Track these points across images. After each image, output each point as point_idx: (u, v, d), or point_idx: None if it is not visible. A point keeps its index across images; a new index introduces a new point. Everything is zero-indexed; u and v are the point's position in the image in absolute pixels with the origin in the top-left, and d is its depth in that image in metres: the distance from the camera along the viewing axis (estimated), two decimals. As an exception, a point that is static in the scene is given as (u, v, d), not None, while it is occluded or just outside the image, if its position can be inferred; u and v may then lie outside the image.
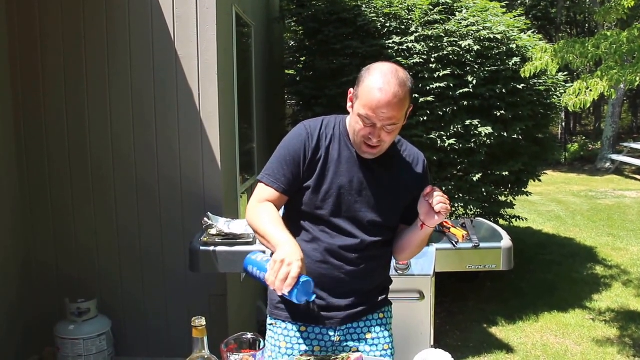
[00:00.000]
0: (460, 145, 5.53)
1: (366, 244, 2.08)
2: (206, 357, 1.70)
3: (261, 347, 1.90)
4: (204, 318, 1.70)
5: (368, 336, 2.17)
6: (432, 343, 3.73)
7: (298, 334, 2.13)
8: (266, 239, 1.91)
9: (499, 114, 5.66)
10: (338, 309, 2.11)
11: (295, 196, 2.07)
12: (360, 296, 2.13)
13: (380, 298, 2.21)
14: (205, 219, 3.71)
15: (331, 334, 2.13)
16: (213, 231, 3.63)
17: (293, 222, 2.07)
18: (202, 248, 3.56)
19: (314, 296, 1.81)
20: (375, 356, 2.14)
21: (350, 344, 2.14)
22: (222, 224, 3.68)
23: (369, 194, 2.06)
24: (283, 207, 2.13)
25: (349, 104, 2.04)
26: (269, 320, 2.20)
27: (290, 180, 2.04)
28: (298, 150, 2.04)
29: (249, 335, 1.93)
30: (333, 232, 2.07)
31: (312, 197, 2.05)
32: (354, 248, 2.07)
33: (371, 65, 1.99)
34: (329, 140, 2.07)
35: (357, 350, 2.12)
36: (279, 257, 1.74)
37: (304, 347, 2.12)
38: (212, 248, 3.52)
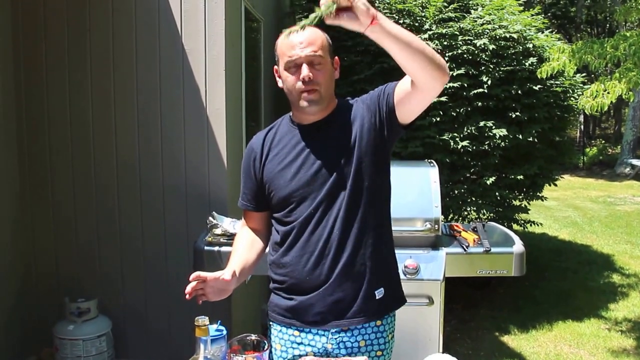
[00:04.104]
0: (474, 147, 5.40)
1: (340, 228, 2.00)
2: (209, 357, 1.68)
3: (265, 348, 1.89)
4: (207, 318, 1.69)
5: (362, 344, 2.09)
6: (440, 350, 3.63)
7: (292, 338, 2.12)
8: None
9: (514, 116, 5.53)
10: (330, 312, 2.05)
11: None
12: (352, 299, 2.04)
13: (379, 305, 2.09)
14: (210, 218, 3.62)
15: (324, 340, 2.07)
16: (218, 231, 3.55)
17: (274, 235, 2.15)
18: (206, 248, 3.48)
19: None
20: (370, 357, 2.09)
21: (343, 351, 2.07)
22: (227, 224, 3.59)
23: (327, 164, 2.01)
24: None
25: (278, 82, 2.08)
26: (269, 322, 2.21)
27: (254, 195, 2.15)
28: (249, 167, 2.14)
29: (253, 337, 1.92)
30: (306, 227, 2.02)
31: (278, 199, 2.07)
32: (329, 231, 2.01)
33: None
34: (274, 137, 2.12)
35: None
36: None
37: (297, 352, 2.11)
38: (216, 248, 3.45)
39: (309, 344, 2.09)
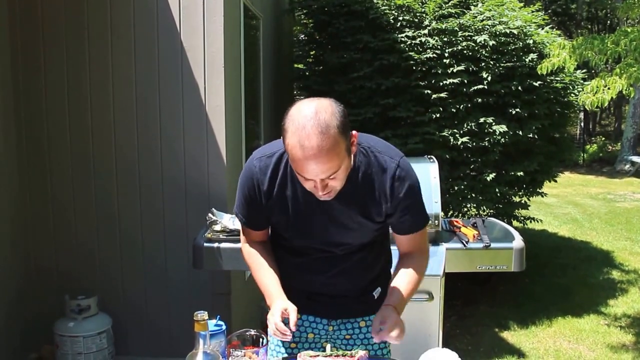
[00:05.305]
0: (474, 144, 5.40)
1: (343, 258, 2.05)
2: (209, 352, 1.68)
3: (264, 343, 1.91)
4: (206, 312, 1.69)
5: (362, 324, 2.14)
6: (440, 345, 3.62)
7: None
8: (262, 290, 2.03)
9: (514, 112, 5.53)
10: (331, 305, 2.12)
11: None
12: (352, 297, 2.12)
13: (376, 299, 2.14)
14: (210, 214, 3.62)
15: (325, 322, 2.13)
16: (217, 227, 3.53)
17: (274, 246, 2.14)
18: (206, 244, 3.47)
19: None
20: (369, 343, 2.13)
21: (344, 332, 2.14)
22: (226, 220, 3.58)
23: (334, 225, 1.95)
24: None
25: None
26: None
27: (254, 217, 2.04)
28: (252, 193, 1.96)
29: (252, 332, 1.94)
30: (307, 257, 2.07)
31: (278, 231, 2.08)
32: (330, 264, 2.05)
33: (290, 112, 1.71)
34: (283, 176, 1.92)
35: (351, 338, 2.14)
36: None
37: (297, 334, 2.11)
38: (216, 244, 3.44)
39: (309, 326, 2.13)
